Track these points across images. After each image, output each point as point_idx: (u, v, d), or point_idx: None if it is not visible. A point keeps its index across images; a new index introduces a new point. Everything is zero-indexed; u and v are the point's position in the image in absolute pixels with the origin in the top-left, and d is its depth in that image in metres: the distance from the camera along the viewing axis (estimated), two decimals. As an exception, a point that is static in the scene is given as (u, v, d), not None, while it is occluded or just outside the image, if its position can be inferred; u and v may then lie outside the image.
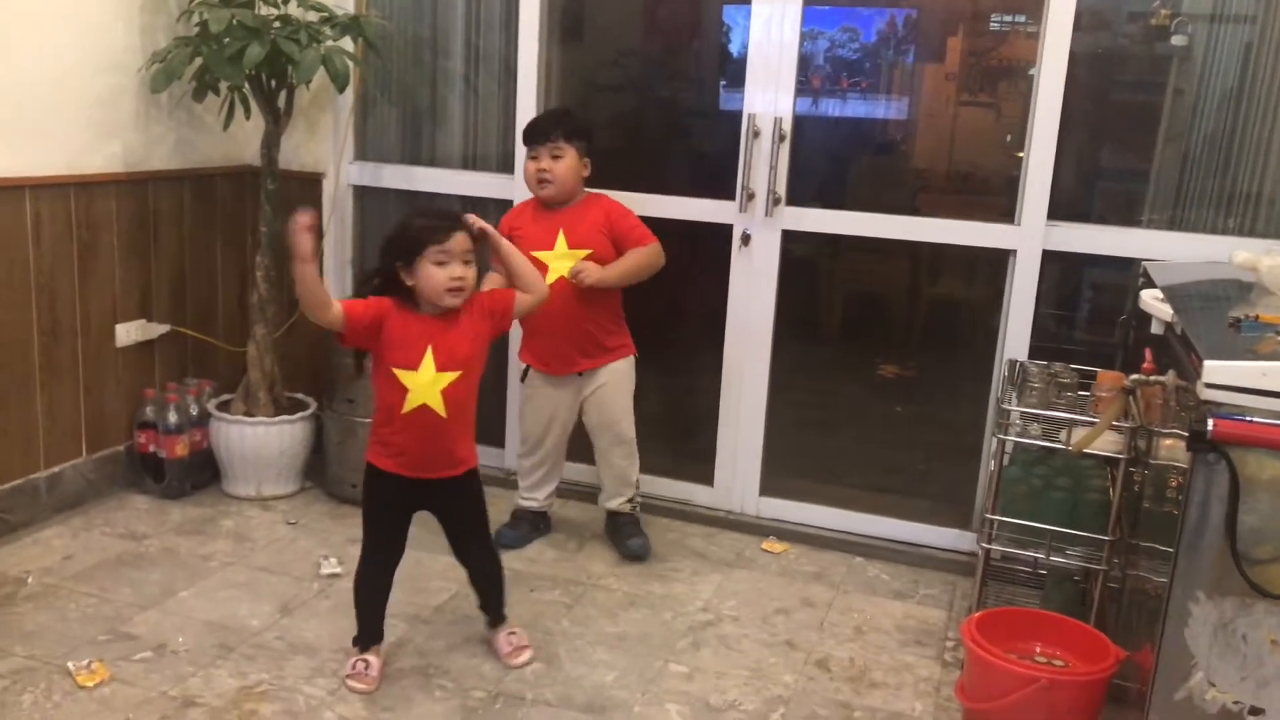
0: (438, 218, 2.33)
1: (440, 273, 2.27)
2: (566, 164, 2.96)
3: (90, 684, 2.35)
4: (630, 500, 3.18)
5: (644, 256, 2.99)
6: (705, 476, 3.47)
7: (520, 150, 3.43)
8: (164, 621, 2.65)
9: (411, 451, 2.36)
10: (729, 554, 3.25)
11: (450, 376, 2.32)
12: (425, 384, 2.30)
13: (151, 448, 3.35)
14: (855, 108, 3.73)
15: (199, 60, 3.13)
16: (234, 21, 3.06)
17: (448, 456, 2.40)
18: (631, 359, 3.11)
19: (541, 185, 2.97)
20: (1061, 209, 3.00)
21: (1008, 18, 3.37)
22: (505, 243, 2.42)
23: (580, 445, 3.23)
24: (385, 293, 2.33)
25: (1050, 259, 3.03)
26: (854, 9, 3.68)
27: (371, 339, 2.31)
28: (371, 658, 2.45)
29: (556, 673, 2.52)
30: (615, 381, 3.08)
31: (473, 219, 2.34)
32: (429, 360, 2.30)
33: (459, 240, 2.28)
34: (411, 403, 2.31)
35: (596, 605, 2.87)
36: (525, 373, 3.15)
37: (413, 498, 2.43)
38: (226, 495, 3.43)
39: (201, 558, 3.01)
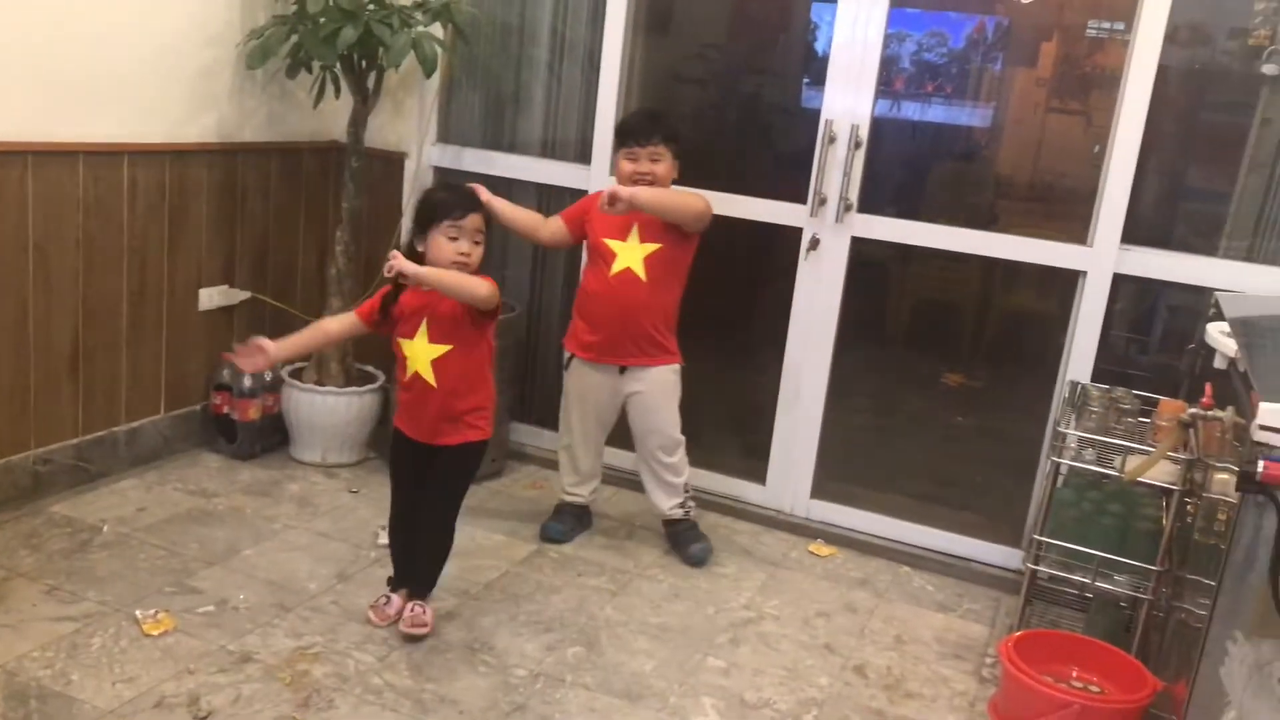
0: (458, 194, 2.54)
1: (449, 246, 2.45)
2: (665, 166, 2.98)
3: (155, 633, 2.47)
4: (683, 505, 3.17)
5: (684, 196, 2.98)
6: (758, 475, 3.50)
7: (600, 142, 3.50)
8: (227, 578, 2.77)
9: (412, 415, 2.54)
10: (776, 554, 3.28)
11: (441, 349, 2.47)
12: (420, 354, 2.47)
13: (226, 409, 3.49)
14: (938, 113, 3.71)
15: (294, 39, 3.24)
16: (330, 3, 3.16)
17: (438, 427, 2.52)
18: (677, 367, 3.09)
19: (639, 185, 2.97)
20: (1138, 230, 2.96)
21: (1105, 24, 3.31)
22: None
23: (629, 434, 3.26)
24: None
25: (1123, 280, 3.00)
26: (944, 13, 3.65)
27: (386, 322, 2.50)
28: (394, 596, 2.65)
29: (597, 658, 2.59)
30: (659, 390, 3.07)
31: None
32: (423, 331, 2.47)
33: (473, 219, 2.47)
34: (409, 370, 2.50)
35: (641, 594, 2.93)
36: (569, 361, 3.16)
37: (417, 460, 2.58)
38: (294, 460, 3.56)
39: (266, 519, 3.13)
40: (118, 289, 3.18)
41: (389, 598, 2.65)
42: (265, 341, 2.43)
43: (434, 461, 2.57)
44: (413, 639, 2.55)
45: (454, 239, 2.44)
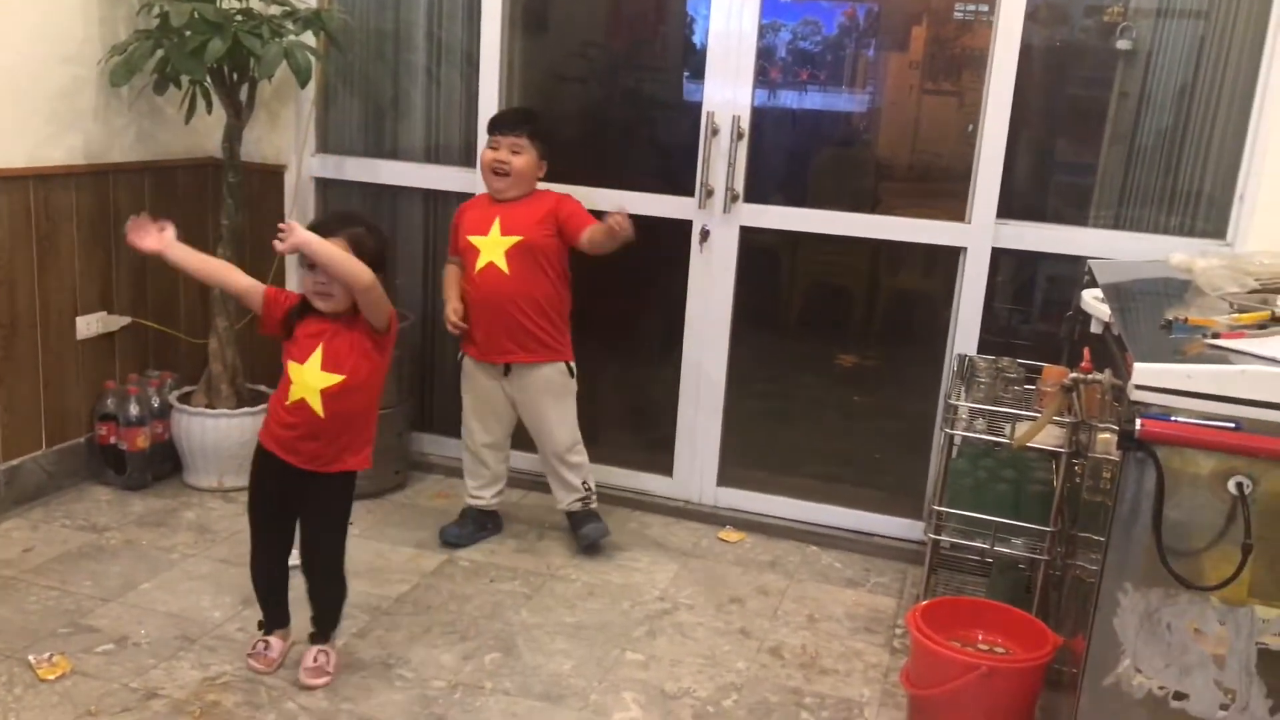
0: (316, 222, 2.33)
1: (308, 278, 2.29)
2: (525, 160, 3.00)
3: (52, 677, 2.37)
4: (582, 499, 3.19)
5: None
6: (664, 467, 3.53)
7: (483, 142, 3.47)
8: (125, 614, 2.67)
9: (290, 439, 2.35)
10: (686, 543, 3.31)
11: (333, 380, 2.30)
12: (309, 381, 2.30)
13: (112, 440, 3.36)
14: (817, 100, 3.77)
15: (160, 53, 3.13)
16: (195, 15, 3.06)
17: (318, 455, 2.35)
18: (564, 366, 3.09)
19: (496, 175, 3.01)
20: (1013, 204, 3.08)
21: (970, 6, 3.42)
22: (318, 249, 2.22)
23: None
24: None
25: (1002, 253, 3.11)
26: (816, 2, 3.72)
27: (282, 325, 2.34)
28: (272, 639, 2.51)
29: (515, 662, 2.57)
30: (546, 389, 3.08)
31: (285, 231, 2.20)
32: (316, 357, 2.30)
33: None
34: (293, 395, 2.32)
35: (555, 596, 2.92)
36: (460, 359, 3.16)
37: (286, 483, 2.39)
38: (188, 487, 3.45)
39: (163, 550, 3.03)
40: (-14, 322, 3.04)
41: (267, 642, 2.50)
42: (168, 227, 2.28)
43: (306, 489, 2.38)
44: (311, 688, 2.41)
45: (310, 267, 2.26)
